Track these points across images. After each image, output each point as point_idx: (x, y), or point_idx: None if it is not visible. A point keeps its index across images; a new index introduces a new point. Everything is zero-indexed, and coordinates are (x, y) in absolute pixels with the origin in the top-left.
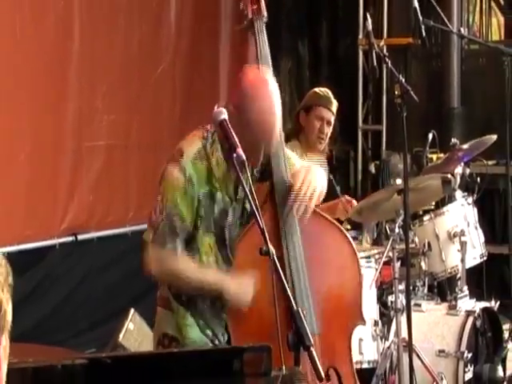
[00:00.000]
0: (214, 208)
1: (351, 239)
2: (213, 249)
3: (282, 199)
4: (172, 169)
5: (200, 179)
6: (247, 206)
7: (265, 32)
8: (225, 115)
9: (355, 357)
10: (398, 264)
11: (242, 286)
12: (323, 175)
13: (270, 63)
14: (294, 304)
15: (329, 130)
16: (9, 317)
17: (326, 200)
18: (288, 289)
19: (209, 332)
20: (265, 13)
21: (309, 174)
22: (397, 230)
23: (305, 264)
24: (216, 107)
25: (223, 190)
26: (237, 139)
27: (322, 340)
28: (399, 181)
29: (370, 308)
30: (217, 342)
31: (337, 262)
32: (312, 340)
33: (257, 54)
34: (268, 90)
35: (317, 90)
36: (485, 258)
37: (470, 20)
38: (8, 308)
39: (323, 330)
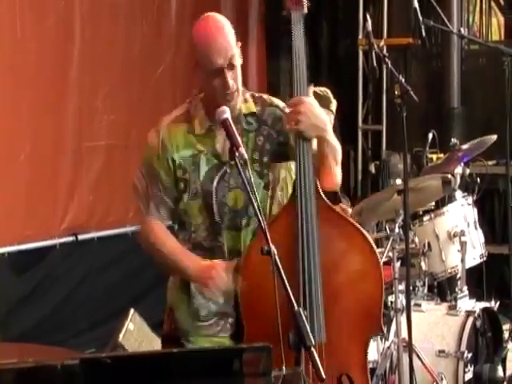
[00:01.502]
0: (199, 172)
1: (375, 245)
2: (202, 213)
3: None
4: (150, 134)
5: (175, 142)
6: (257, 169)
7: (302, 24)
8: (227, 114)
9: None
10: (398, 264)
11: (204, 275)
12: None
13: (304, 55)
14: (294, 304)
15: None
16: None
17: None
18: (288, 288)
19: (198, 307)
20: (305, 6)
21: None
22: (397, 230)
23: (319, 266)
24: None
25: (208, 151)
26: (239, 138)
27: (336, 346)
28: (399, 181)
29: None
30: (208, 323)
31: (358, 267)
32: (316, 344)
33: (291, 45)
34: (207, 16)
35: (316, 89)
36: (485, 258)
37: (470, 20)
38: None
39: (337, 336)
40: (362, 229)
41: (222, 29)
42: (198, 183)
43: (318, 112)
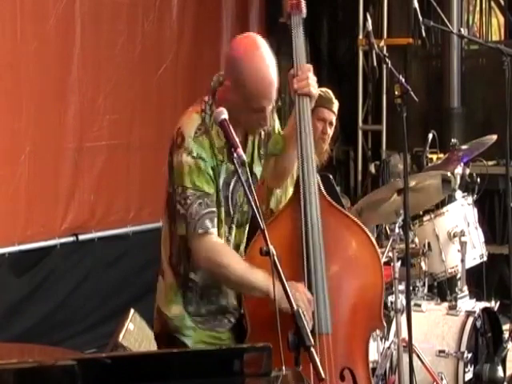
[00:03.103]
0: (220, 181)
1: (374, 240)
2: (223, 221)
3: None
4: (179, 158)
5: (207, 153)
6: (256, 170)
7: (301, 27)
8: (225, 115)
9: None
10: (398, 264)
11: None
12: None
13: (305, 58)
14: (293, 304)
15: (331, 131)
16: None
17: None
18: (288, 289)
19: (192, 309)
20: (304, 9)
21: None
22: (397, 230)
23: (324, 261)
24: (216, 76)
25: (225, 160)
26: (237, 139)
27: (338, 339)
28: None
29: None
30: (205, 318)
31: (360, 263)
32: (324, 339)
33: (292, 47)
34: (258, 49)
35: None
36: (485, 259)
37: (470, 20)
38: None
39: (339, 330)
40: (361, 224)
41: (273, 67)
42: (220, 190)
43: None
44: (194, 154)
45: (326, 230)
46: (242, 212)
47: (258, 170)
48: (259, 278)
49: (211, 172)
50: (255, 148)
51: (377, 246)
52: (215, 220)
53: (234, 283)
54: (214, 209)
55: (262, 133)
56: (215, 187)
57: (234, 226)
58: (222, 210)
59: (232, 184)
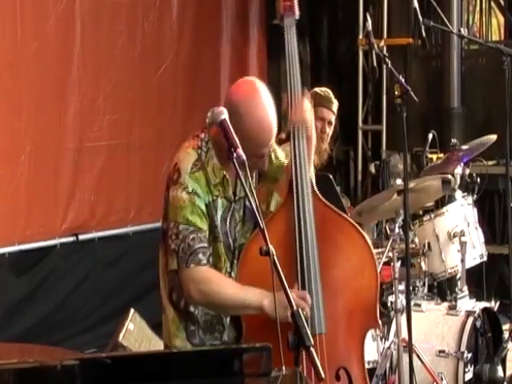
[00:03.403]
0: (217, 216)
1: (369, 240)
2: (222, 256)
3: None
4: (175, 193)
5: (202, 189)
6: (247, 203)
7: (294, 30)
8: (225, 115)
9: None
10: (398, 264)
11: (280, 301)
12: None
13: (297, 60)
14: (293, 304)
15: (330, 130)
16: None
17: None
18: (288, 289)
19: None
20: (297, 11)
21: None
22: (397, 230)
23: (318, 261)
24: (210, 112)
25: (221, 195)
26: (237, 139)
27: (334, 339)
28: (399, 181)
29: None
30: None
31: (354, 262)
32: (317, 339)
33: (284, 50)
34: (258, 96)
35: (317, 90)
36: (485, 258)
37: (470, 20)
38: None
39: (335, 330)
40: (355, 223)
41: (273, 113)
42: (218, 227)
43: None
44: (190, 190)
45: (320, 231)
46: (240, 246)
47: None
48: (250, 295)
49: (205, 209)
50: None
51: (372, 247)
52: (207, 254)
53: (228, 307)
54: (207, 245)
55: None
56: (210, 224)
57: (235, 261)
58: (222, 245)
59: (228, 219)
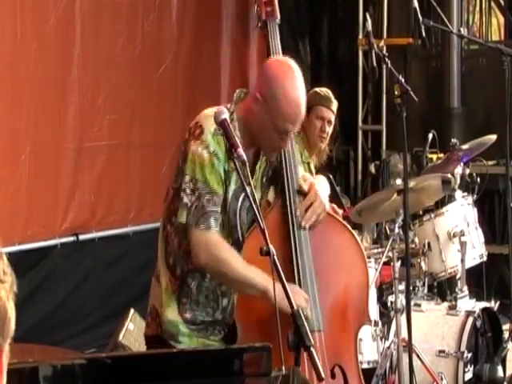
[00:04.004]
0: (230, 189)
1: (358, 238)
2: (225, 230)
3: (291, 201)
4: (195, 148)
5: (223, 154)
6: (256, 197)
7: (278, 33)
8: (225, 115)
9: None
10: (398, 264)
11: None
12: (327, 186)
13: None
14: (293, 304)
15: (330, 130)
16: (12, 325)
17: None
18: (288, 289)
19: (189, 316)
20: (278, 15)
21: (316, 185)
22: (397, 230)
23: (313, 262)
24: (238, 91)
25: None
26: (238, 139)
27: (328, 337)
28: (399, 181)
29: (370, 308)
30: (199, 327)
31: (344, 261)
32: (316, 336)
33: (268, 54)
34: (293, 73)
35: (317, 89)
36: (484, 258)
37: (470, 20)
38: (12, 316)
39: (329, 328)
40: (346, 224)
41: (304, 97)
42: (228, 200)
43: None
44: (211, 150)
45: (311, 230)
46: (243, 232)
47: (257, 196)
48: (258, 276)
49: (223, 173)
50: (259, 176)
51: (361, 244)
52: (219, 221)
53: (232, 280)
54: (219, 209)
55: (268, 163)
56: (224, 192)
57: (243, 245)
58: (226, 218)
59: (240, 200)
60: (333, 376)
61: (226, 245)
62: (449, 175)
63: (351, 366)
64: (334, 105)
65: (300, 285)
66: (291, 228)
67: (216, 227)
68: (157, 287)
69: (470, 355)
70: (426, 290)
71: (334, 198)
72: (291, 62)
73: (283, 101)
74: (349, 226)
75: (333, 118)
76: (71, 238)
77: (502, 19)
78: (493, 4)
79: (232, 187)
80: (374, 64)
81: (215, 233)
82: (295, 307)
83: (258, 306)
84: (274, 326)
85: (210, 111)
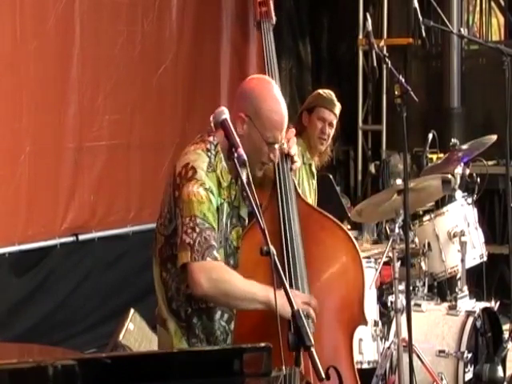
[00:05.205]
0: (222, 220)
1: (354, 239)
2: (223, 260)
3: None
4: (190, 188)
5: (216, 190)
6: (242, 213)
7: (272, 34)
8: (226, 115)
9: (355, 357)
10: (398, 264)
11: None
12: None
13: (276, 64)
14: (294, 304)
15: (331, 132)
16: None
17: (326, 200)
18: (288, 289)
19: None
20: (273, 16)
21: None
22: (397, 230)
23: (304, 262)
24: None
25: (227, 200)
26: (238, 139)
27: (323, 339)
28: (399, 181)
29: (370, 308)
30: None
31: (339, 262)
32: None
33: (263, 54)
34: (270, 85)
35: (321, 91)
36: (485, 258)
37: (470, 20)
38: None
39: (323, 328)
40: (340, 223)
41: (284, 102)
42: (222, 231)
43: None
44: (207, 187)
45: (303, 230)
46: (236, 252)
47: (244, 212)
48: (258, 289)
49: (216, 210)
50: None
51: (357, 244)
52: (217, 255)
53: (236, 298)
54: (216, 247)
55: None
56: (218, 226)
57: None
58: (222, 251)
59: (229, 224)
60: (328, 377)
61: (225, 266)
62: (449, 175)
63: (346, 367)
64: (337, 108)
65: (291, 284)
66: (283, 230)
67: (220, 259)
68: (165, 335)
69: (470, 355)
70: (426, 290)
71: (334, 198)
72: (265, 76)
73: (269, 111)
74: (342, 225)
75: (334, 121)
76: (71, 238)
77: (502, 19)
78: (493, 4)
79: (224, 216)
80: (374, 64)
81: (220, 262)
82: (295, 307)
83: (253, 316)
84: (273, 327)
85: (193, 148)
